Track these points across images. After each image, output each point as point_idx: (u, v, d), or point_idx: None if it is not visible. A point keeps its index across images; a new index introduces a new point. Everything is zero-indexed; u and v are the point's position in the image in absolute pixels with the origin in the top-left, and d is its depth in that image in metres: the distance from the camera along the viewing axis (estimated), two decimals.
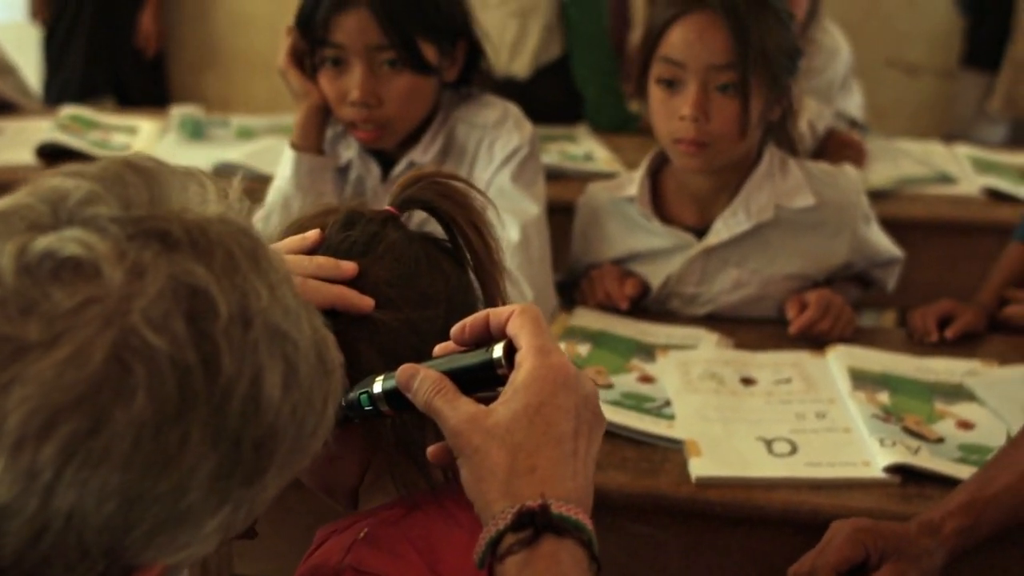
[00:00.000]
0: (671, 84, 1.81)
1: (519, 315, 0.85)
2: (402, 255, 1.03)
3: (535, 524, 0.77)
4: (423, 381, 0.85)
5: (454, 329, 0.89)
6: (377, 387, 0.90)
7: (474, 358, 0.87)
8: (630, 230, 1.96)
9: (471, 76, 1.95)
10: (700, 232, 1.93)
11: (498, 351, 0.85)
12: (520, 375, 0.82)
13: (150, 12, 4.40)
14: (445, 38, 1.87)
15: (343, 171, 2.00)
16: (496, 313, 0.87)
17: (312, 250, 1.03)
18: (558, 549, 0.77)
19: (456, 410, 0.83)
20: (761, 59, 1.76)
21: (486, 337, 0.87)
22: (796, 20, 2.15)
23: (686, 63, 1.78)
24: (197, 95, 4.43)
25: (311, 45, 1.86)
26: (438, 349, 0.91)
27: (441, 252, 1.06)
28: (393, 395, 0.89)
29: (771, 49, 1.77)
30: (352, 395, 0.91)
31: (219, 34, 4.95)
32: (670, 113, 1.81)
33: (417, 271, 1.03)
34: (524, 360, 0.83)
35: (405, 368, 0.87)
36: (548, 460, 0.79)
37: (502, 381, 0.86)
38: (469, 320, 0.88)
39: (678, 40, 1.79)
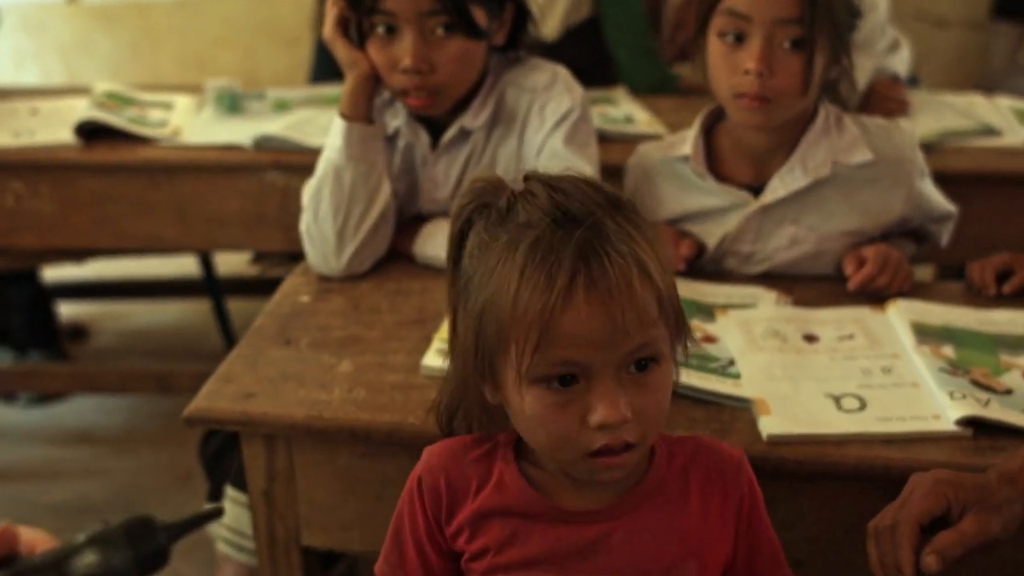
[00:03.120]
0: (736, 38, 1.78)
1: None
2: None
3: None
4: None
5: None
6: None
7: None
8: (684, 189, 1.95)
9: (519, 39, 1.94)
10: (755, 190, 1.92)
11: None
12: None
13: None
14: (493, 1, 1.85)
15: (391, 139, 2.00)
16: None
17: None
18: None
19: None
20: (827, 15, 1.73)
21: None
22: None
23: (752, 16, 1.75)
24: None
25: (360, 14, 1.85)
26: None
27: None
28: None
29: (836, 5, 1.75)
30: None
31: None
32: (733, 68, 1.79)
33: None
34: None
35: None
36: None
37: None
38: None
39: None
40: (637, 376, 1.09)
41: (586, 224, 1.05)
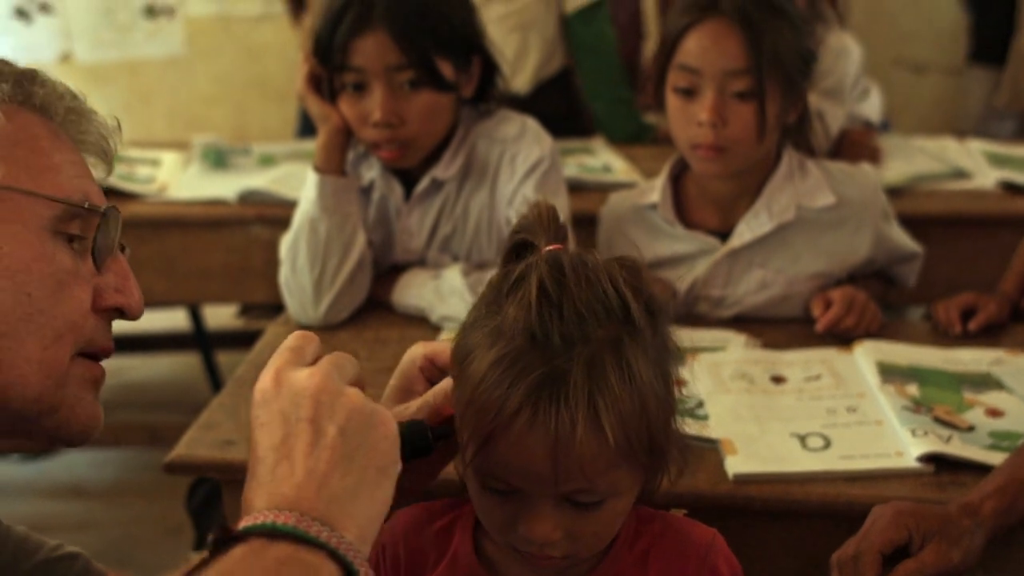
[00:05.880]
0: (688, 92, 1.84)
1: None
2: None
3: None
4: None
5: None
6: None
7: None
8: (654, 236, 1.99)
9: (488, 91, 1.99)
10: (723, 235, 1.96)
11: None
12: None
13: None
14: (460, 55, 1.91)
15: (366, 191, 2.05)
16: None
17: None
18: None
19: None
20: (775, 64, 1.79)
21: None
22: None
23: (702, 70, 1.81)
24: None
25: (330, 70, 1.90)
26: None
27: None
28: None
29: (785, 53, 1.80)
30: None
31: None
32: (688, 119, 1.84)
33: None
34: None
35: None
36: (260, 472, 0.86)
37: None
38: None
39: (694, 47, 1.82)
40: (577, 508, 1.04)
41: (556, 360, 0.99)
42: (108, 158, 1.09)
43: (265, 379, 0.89)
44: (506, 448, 1.01)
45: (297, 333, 0.94)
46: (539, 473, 1.01)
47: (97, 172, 1.07)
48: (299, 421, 0.86)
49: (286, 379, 0.88)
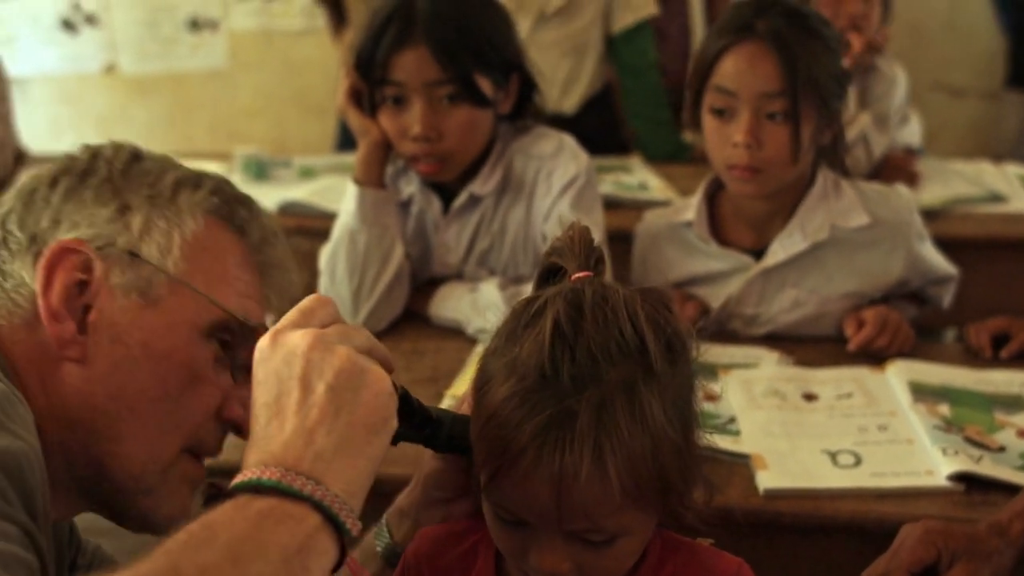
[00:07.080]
0: (723, 112, 1.86)
1: None
2: None
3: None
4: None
5: None
6: None
7: None
8: (689, 254, 2.01)
9: (525, 108, 2.02)
10: (757, 254, 1.98)
11: None
12: None
13: None
14: (499, 71, 1.94)
15: (405, 206, 2.08)
16: None
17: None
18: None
19: None
20: (810, 85, 1.81)
21: None
22: (859, 51, 2.22)
23: (738, 92, 1.83)
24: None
25: (371, 84, 1.93)
26: None
27: None
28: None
29: (819, 75, 1.82)
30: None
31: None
32: (723, 140, 1.86)
33: None
34: None
35: None
36: (255, 430, 0.89)
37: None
38: None
39: (729, 69, 1.84)
40: (587, 544, 1.02)
41: (566, 402, 0.97)
42: (274, 305, 1.15)
43: (265, 338, 0.92)
44: (512, 485, 1.00)
45: (313, 296, 0.96)
46: (543, 512, 1.00)
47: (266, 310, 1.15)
48: (290, 379, 0.89)
49: (282, 339, 0.91)
